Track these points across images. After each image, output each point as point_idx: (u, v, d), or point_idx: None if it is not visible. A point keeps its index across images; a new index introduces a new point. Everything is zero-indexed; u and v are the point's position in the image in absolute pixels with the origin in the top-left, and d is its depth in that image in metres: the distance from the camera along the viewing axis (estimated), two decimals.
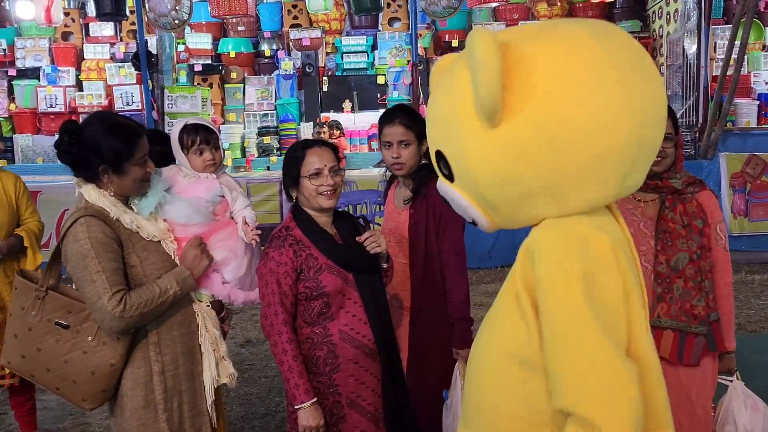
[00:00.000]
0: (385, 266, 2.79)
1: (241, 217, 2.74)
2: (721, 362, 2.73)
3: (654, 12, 9.87)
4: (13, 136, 10.14)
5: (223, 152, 2.85)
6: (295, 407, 2.57)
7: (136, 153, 2.45)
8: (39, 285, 2.48)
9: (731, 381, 2.79)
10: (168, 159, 2.83)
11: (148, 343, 2.50)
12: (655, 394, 1.64)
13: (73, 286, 2.50)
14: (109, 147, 2.41)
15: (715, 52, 8.95)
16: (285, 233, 2.66)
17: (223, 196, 2.75)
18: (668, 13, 9.23)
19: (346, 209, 3.09)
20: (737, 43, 7.73)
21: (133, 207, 2.54)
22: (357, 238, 2.71)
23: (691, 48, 8.16)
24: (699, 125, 8.23)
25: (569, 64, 1.47)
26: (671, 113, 2.71)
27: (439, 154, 1.68)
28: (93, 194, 2.44)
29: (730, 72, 7.76)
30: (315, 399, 2.57)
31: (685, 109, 8.40)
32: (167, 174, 2.73)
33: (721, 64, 8.13)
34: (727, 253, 2.72)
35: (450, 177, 1.68)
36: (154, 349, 2.51)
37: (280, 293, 2.57)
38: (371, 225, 2.90)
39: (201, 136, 2.75)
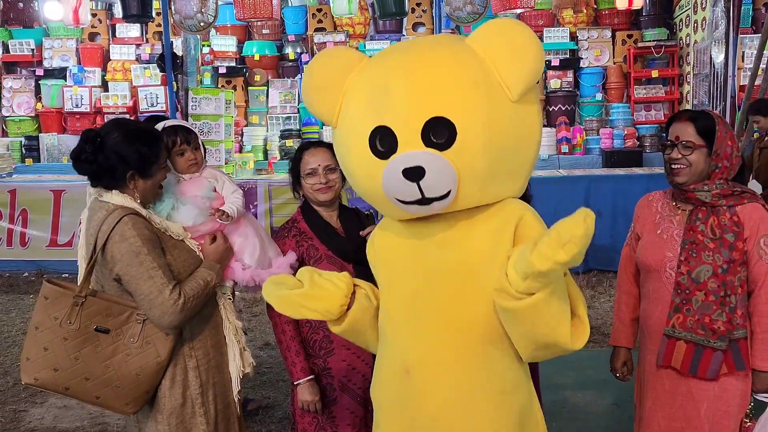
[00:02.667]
0: None
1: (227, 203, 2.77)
2: (758, 381, 2.63)
3: (681, 20, 9.78)
4: (39, 135, 10.25)
5: (204, 152, 2.86)
6: (294, 383, 2.81)
7: (161, 156, 2.53)
8: (78, 291, 2.40)
9: None
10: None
11: (183, 340, 2.53)
12: None
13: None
14: (136, 152, 2.45)
15: (743, 61, 8.84)
16: (290, 225, 2.93)
17: (215, 189, 2.78)
18: (695, 22, 9.14)
19: (369, 212, 3.16)
20: (766, 52, 7.62)
21: (152, 211, 2.57)
22: (360, 233, 2.88)
23: (719, 57, 8.06)
24: None
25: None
26: (699, 120, 2.63)
27: (438, 120, 1.70)
28: (118, 199, 2.45)
29: (758, 82, 7.66)
30: (311, 376, 2.80)
31: None
32: (172, 182, 2.76)
33: (749, 73, 8.03)
34: None
35: (444, 145, 1.71)
36: (187, 345, 2.55)
37: None
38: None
39: (181, 137, 2.76)
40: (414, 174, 1.69)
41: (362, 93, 1.78)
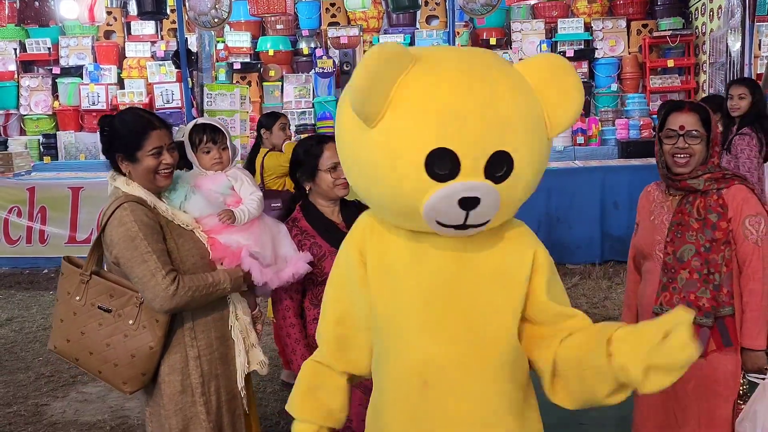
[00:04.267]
0: None
1: (242, 205, 2.79)
2: (748, 360, 2.70)
3: (697, 9, 9.70)
4: (57, 133, 10.33)
5: (233, 152, 2.90)
6: None
7: (146, 144, 2.55)
8: (83, 270, 2.56)
9: (763, 379, 2.76)
10: None
11: (184, 329, 2.58)
12: None
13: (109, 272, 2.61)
14: (120, 136, 2.57)
15: (759, 49, 8.76)
16: (291, 224, 2.89)
17: (234, 188, 2.82)
18: (711, 10, 9.06)
19: None
20: None
21: (164, 200, 2.64)
22: None
23: (735, 45, 8.00)
24: None
25: None
26: (702, 110, 2.71)
27: (501, 154, 1.67)
28: (126, 186, 2.56)
29: None
30: None
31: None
32: (192, 173, 2.84)
33: (765, 61, 7.97)
34: (759, 248, 2.67)
35: (501, 179, 1.69)
36: (189, 335, 2.59)
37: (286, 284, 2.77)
38: None
39: (208, 135, 2.83)
40: (470, 203, 1.67)
41: (426, 110, 1.69)
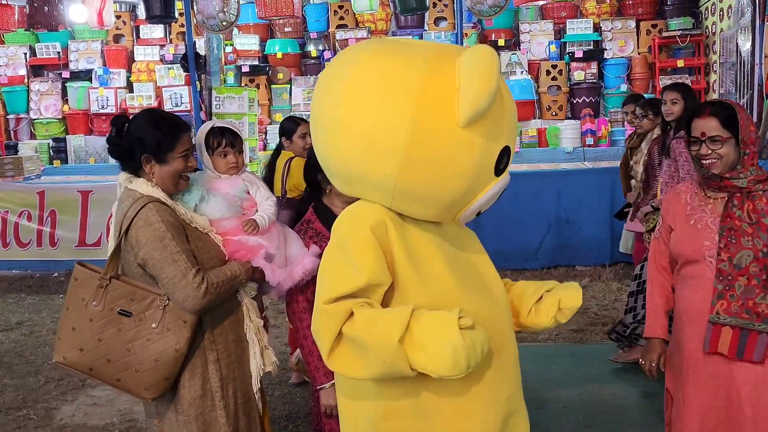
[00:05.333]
0: None
1: (260, 211, 2.80)
2: None
3: (707, 8, 9.65)
4: (66, 136, 10.39)
5: (245, 157, 2.92)
6: (317, 388, 2.76)
7: (178, 146, 2.56)
8: (103, 274, 2.50)
9: None
10: None
11: (203, 333, 2.56)
12: None
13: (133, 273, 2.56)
14: (152, 137, 2.53)
15: None
16: (305, 227, 2.88)
17: (248, 192, 2.82)
18: (721, 10, 9.01)
19: None
20: None
21: (178, 202, 2.62)
22: None
23: (745, 45, 7.95)
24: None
25: None
26: (722, 113, 2.66)
27: (507, 149, 1.91)
28: (146, 187, 2.53)
29: None
30: (333, 381, 2.64)
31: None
32: (207, 176, 2.82)
33: None
34: None
35: (502, 171, 1.92)
36: (208, 338, 2.57)
37: (303, 283, 2.76)
38: None
39: (227, 139, 2.82)
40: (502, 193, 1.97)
41: (503, 110, 1.89)
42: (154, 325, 2.47)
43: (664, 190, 4.96)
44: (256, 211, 2.80)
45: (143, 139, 2.53)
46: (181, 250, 2.44)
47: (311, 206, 2.95)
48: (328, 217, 2.87)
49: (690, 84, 9.66)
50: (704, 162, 2.68)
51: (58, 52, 10.73)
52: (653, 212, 4.93)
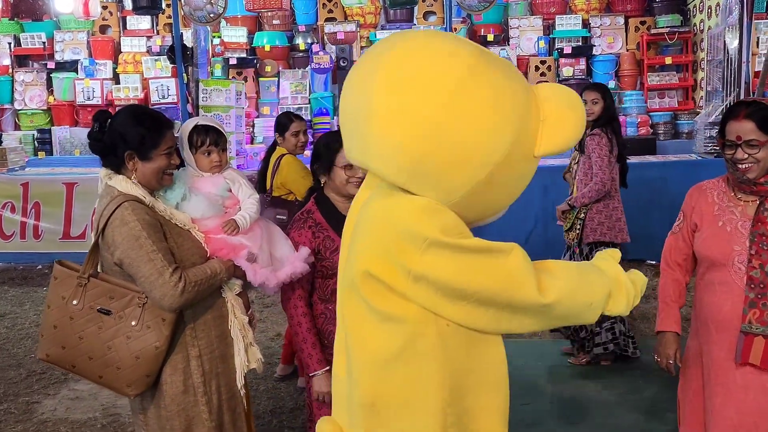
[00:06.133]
0: None
1: (242, 210, 2.78)
2: None
3: (695, 6, 9.67)
4: (51, 128, 10.29)
5: (232, 151, 2.89)
6: (310, 375, 2.80)
7: (162, 143, 2.54)
8: (81, 272, 2.50)
9: None
10: None
11: (185, 328, 2.56)
12: None
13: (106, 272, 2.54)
14: (136, 133, 2.50)
15: (757, 47, 8.73)
16: (306, 216, 2.90)
17: (230, 190, 2.80)
18: (709, 7, 9.03)
19: None
20: None
21: (160, 199, 2.60)
22: None
23: (733, 43, 7.97)
24: None
25: None
26: (757, 115, 2.55)
27: None
28: (124, 185, 2.51)
29: None
30: (327, 368, 2.76)
31: (726, 105, 8.22)
32: (189, 174, 2.79)
33: (763, 59, 7.94)
34: None
35: None
36: (190, 334, 2.57)
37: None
38: None
39: (211, 138, 2.79)
40: None
41: None
42: (133, 323, 2.46)
43: (579, 187, 4.97)
44: (239, 209, 2.78)
45: (127, 135, 2.51)
46: (157, 248, 2.42)
47: (313, 197, 2.97)
48: (328, 209, 2.91)
49: (677, 80, 9.70)
50: (740, 166, 2.56)
51: (44, 43, 10.62)
52: (569, 210, 4.98)
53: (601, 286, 1.95)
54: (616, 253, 2.02)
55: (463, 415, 1.92)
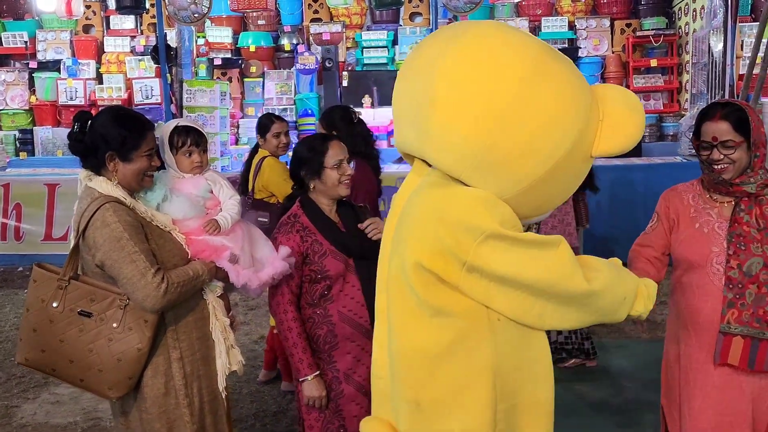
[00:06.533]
0: None
1: (223, 211, 2.76)
2: None
3: (680, 9, 9.71)
4: (34, 128, 10.19)
5: (216, 152, 2.89)
6: (300, 380, 2.81)
7: (143, 144, 2.53)
8: (61, 275, 2.47)
9: None
10: None
11: (166, 331, 2.54)
12: None
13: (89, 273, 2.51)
14: (117, 134, 2.49)
15: (741, 50, 8.76)
16: (293, 220, 2.88)
17: (212, 191, 2.79)
18: (694, 10, 9.07)
19: (363, 205, 3.17)
20: (764, 41, 7.55)
21: (140, 200, 2.59)
22: (359, 225, 2.91)
23: (717, 46, 8.00)
24: None
25: None
26: (733, 116, 2.55)
27: None
28: (105, 186, 2.49)
29: (756, 71, 7.59)
30: (318, 372, 2.81)
31: None
32: (170, 175, 2.77)
33: (747, 62, 7.97)
34: None
35: None
36: (171, 336, 2.56)
37: (287, 275, 2.77)
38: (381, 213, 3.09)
39: (192, 138, 2.77)
40: None
41: None
42: (115, 325, 2.44)
43: None
44: (221, 210, 2.75)
45: (108, 136, 2.49)
46: (139, 249, 2.40)
47: (298, 200, 2.95)
48: (315, 213, 2.89)
49: (662, 83, 9.73)
50: (716, 167, 2.57)
51: (25, 42, 10.50)
52: None
53: (631, 281, 2.01)
54: (618, 262, 2.06)
55: (511, 411, 1.92)
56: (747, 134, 2.54)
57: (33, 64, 10.45)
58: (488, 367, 1.86)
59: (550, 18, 10.08)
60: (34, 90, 10.40)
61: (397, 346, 1.93)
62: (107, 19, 10.82)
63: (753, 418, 2.60)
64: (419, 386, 1.89)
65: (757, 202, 2.57)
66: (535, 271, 1.82)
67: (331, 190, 2.91)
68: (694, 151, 7.39)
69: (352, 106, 4.53)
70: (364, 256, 2.86)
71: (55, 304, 2.45)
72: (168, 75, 8.21)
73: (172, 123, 2.83)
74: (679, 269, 2.73)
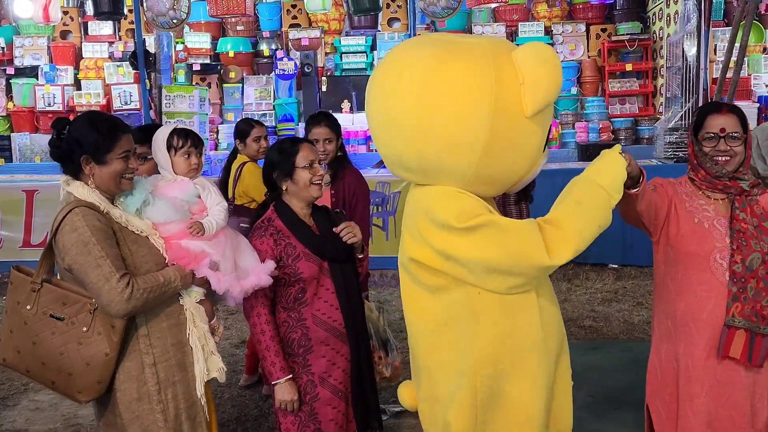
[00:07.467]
0: (360, 256, 3.07)
1: (209, 216, 2.77)
2: None
3: (654, 14, 9.83)
4: (11, 134, 10.11)
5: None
6: (272, 383, 2.82)
7: (117, 147, 2.54)
8: (34, 277, 2.51)
9: None
10: None
11: (138, 336, 2.55)
12: None
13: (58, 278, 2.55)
14: (90, 138, 2.52)
15: (715, 54, 8.91)
16: (266, 224, 2.89)
17: (200, 197, 2.81)
18: (668, 15, 9.19)
19: (338, 211, 3.20)
20: (737, 45, 7.69)
21: (119, 205, 2.60)
22: (334, 229, 2.92)
23: (691, 50, 8.13)
24: None
25: None
26: (738, 111, 2.66)
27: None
28: (81, 191, 2.52)
29: (729, 74, 7.72)
30: (290, 376, 2.82)
31: (684, 112, 8.37)
32: (151, 180, 2.79)
33: (720, 66, 8.10)
34: None
35: (545, 147, 2.38)
36: (144, 342, 2.56)
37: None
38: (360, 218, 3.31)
39: (192, 140, 2.83)
40: None
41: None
42: (85, 329, 2.47)
43: None
44: (207, 215, 2.77)
45: (81, 140, 2.52)
46: (105, 254, 2.41)
47: (273, 204, 2.95)
48: (288, 216, 2.90)
49: (638, 87, 9.85)
50: (720, 159, 2.64)
51: (2, 48, 10.43)
52: None
53: (601, 204, 2.24)
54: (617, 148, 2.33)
55: (497, 377, 2.23)
56: (745, 132, 2.66)
57: (10, 71, 10.38)
58: (471, 336, 2.18)
59: (527, 23, 10.18)
60: (12, 96, 10.33)
61: (407, 322, 2.34)
62: (85, 24, 10.78)
63: (752, 412, 2.65)
64: (427, 355, 2.30)
65: (748, 201, 2.67)
66: (493, 253, 2.11)
67: (304, 191, 2.90)
68: (668, 154, 7.43)
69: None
70: (339, 259, 2.90)
71: (28, 307, 2.49)
72: (147, 81, 8.21)
73: (169, 126, 2.89)
74: (679, 268, 2.74)
